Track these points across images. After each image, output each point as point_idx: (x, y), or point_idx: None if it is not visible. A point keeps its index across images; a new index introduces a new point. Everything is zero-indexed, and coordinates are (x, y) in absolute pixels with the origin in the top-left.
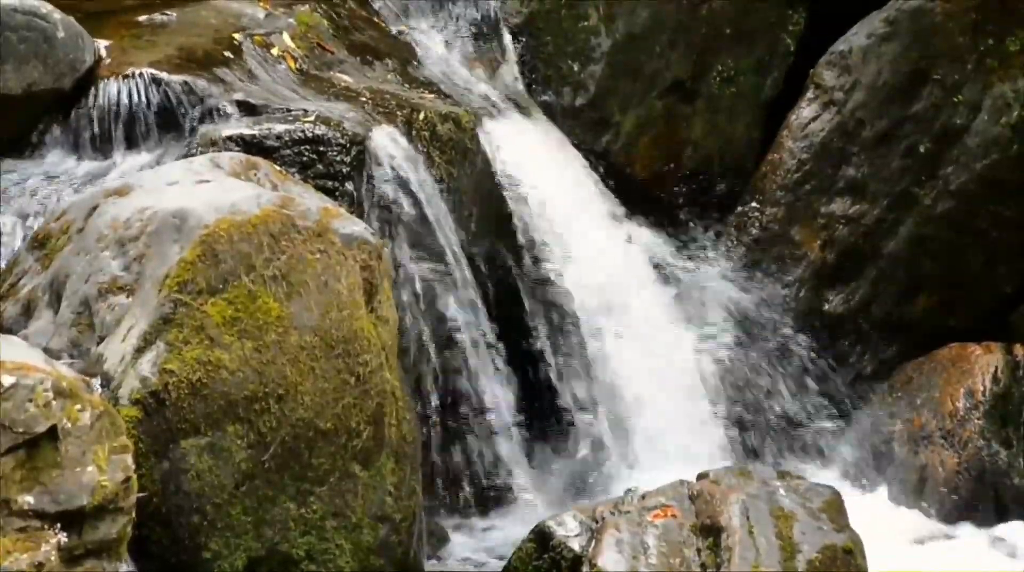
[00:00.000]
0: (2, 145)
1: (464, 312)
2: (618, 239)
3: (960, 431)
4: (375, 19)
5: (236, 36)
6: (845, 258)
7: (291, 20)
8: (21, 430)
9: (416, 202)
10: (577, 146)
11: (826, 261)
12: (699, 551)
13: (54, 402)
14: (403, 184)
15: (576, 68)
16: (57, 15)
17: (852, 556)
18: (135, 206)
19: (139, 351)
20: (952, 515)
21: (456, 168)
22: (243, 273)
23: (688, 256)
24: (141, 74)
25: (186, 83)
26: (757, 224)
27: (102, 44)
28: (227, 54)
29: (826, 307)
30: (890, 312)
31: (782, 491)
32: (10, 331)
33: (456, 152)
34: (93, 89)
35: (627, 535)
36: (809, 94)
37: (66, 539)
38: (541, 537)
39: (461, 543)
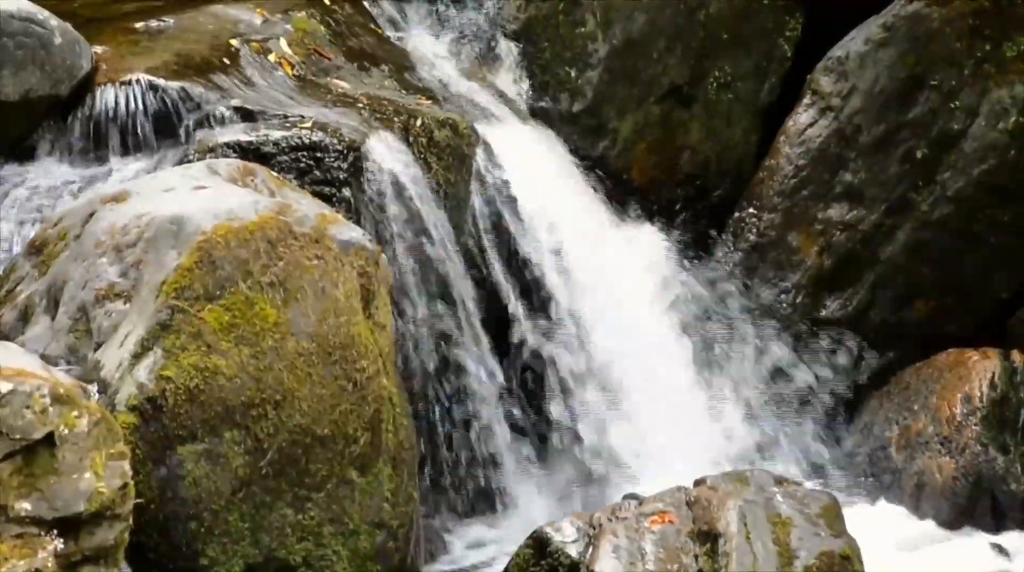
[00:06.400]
0: None
1: (459, 316)
2: (615, 244)
3: (958, 437)
4: (372, 25)
5: (233, 42)
6: (843, 264)
7: (288, 26)
8: (18, 436)
9: (413, 208)
10: (574, 152)
11: (824, 267)
12: (696, 557)
13: (51, 408)
14: (400, 190)
15: (573, 74)
16: (54, 21)
17: (849, 562)
18: (132, 212)
19: (136, 357)
20: (949, 521)
21: (453, 174)
22: (240, 279)
23: (685, 261)
24: (138, 80)
25: (183, 89)
26: (754, 230)
27: (99, 50)
28: (224, 60)
29: (823, 313)
30: (888, 318)
31: (779, 497)
32: (7, 337)
33: (453, 158)
34: (90, 95)
35: (625, 541)
36: (806, 100)
37: (63, 545)
38: (539, 543)
39: (458, 549)
